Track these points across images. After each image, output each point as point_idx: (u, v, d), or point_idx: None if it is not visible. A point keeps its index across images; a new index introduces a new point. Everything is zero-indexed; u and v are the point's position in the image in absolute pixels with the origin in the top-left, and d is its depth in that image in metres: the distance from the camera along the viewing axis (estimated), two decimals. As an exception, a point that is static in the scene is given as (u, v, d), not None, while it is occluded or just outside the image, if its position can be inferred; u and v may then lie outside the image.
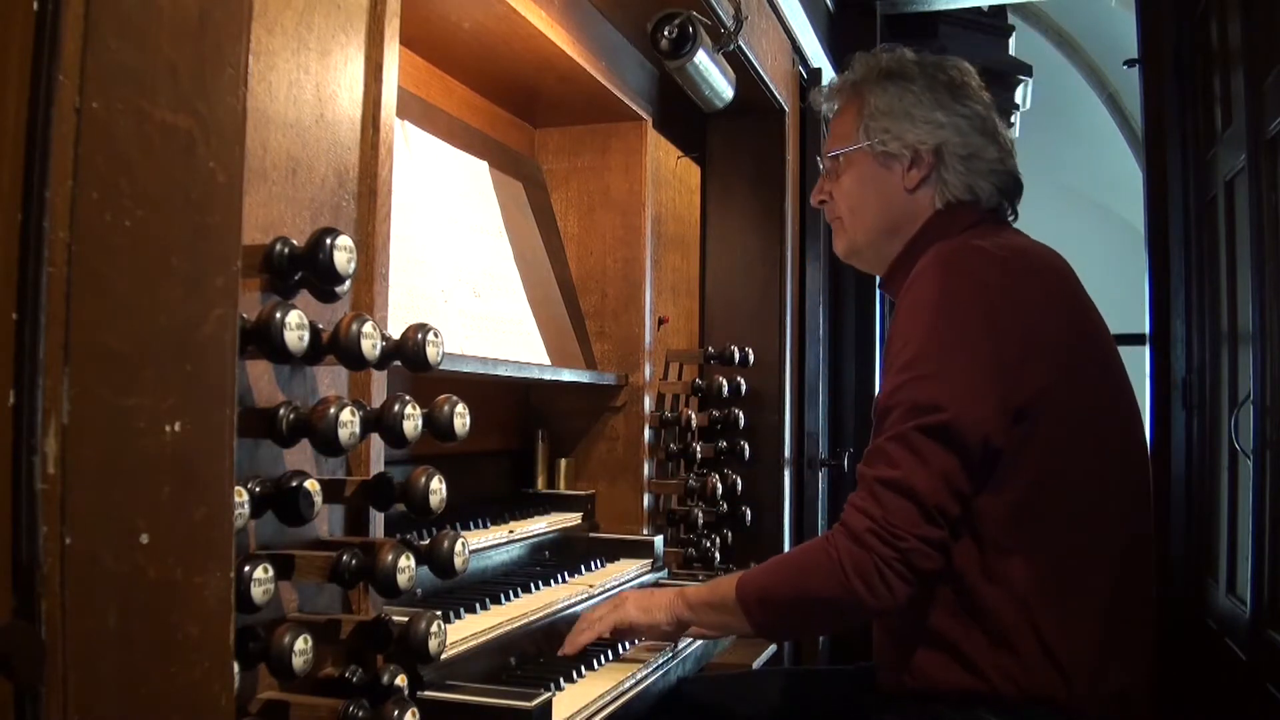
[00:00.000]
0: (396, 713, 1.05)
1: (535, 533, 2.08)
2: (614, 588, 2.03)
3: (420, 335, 1.10)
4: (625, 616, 1.66)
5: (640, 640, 1.78)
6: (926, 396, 1.40)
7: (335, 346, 1.04)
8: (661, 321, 2.61)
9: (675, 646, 1.81)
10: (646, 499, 2.41)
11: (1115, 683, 1.44)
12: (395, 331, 1.13)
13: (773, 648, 2.74)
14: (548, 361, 2.12)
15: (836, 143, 1.73)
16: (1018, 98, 4.45)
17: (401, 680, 1.12)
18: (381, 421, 1.07)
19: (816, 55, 3.33)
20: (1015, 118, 4.55)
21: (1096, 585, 1.44)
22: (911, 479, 1.38)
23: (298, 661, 0.99)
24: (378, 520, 1.24)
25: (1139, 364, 3.58)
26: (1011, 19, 4.81)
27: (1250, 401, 2.65)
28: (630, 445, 2.41)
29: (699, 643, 1.89)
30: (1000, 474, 1.42)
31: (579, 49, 2.07)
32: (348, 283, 1.07)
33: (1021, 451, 1.41)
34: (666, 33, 2.16)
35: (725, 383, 2.69)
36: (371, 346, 1.04)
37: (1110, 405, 1.52)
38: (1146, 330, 3.66)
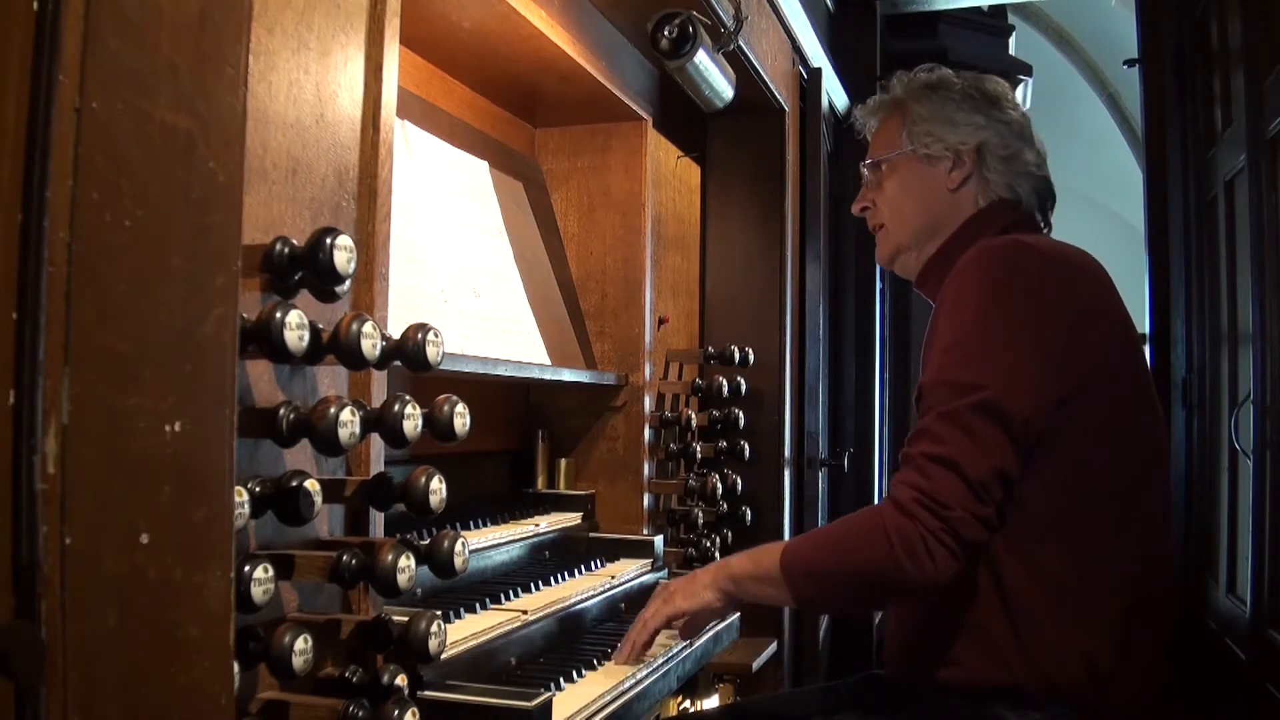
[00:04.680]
0: (396, 713, 1.05)
1: (535, 533, 2.08)
2: (614, 588, 2.03)
3: (420, 335, 1.10)
4: (675, 608, 1.63)
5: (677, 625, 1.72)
6: (970, 376, 1.41)
7: (335, 346, 1.04)
8: (661, 321, 2.61)
9: (675, 648, 1.81)
10: (646, 499, 2.41)
11: (1131, 684, 1.45)
12: (395, 331, 1.12)
13: (773, 647, 2.75)
14: (548, 361, 2.12)
15: (880, 150, 1.77)
16: (1018, 97, 4.45)
17: (401, 680, 1.12)
18: (381, 421, 1.07)
19: (816, 55, 3.33)
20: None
21: (1121, 582, 1.46)
22: (958, 455, 1.37)
23: (298, 661, 0.99)
24: (378, 520, 1.24)
25: (1139, 364, 3.57)
26: (1011, 19, 4.81)
27: (1250, 401, 2.65)
28: (630, 445, 2.40)
29: (699, 643, 1.90)
30: (1037, 462, 1.42)
31: (579, 49, 2.07)
32: (348, 283, 1.07)
33: (1059, 440, 1.43)
34: (666, 33, 2.16)
35: (725, 383, 2.69)
36: (371, 346, 1.04)
37: (1142, 405, 1.54)
38: (1146, 330, 3.67)
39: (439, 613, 1.13)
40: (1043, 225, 1.72)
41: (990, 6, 4.48)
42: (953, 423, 1.39)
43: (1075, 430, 1.43)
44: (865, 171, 1.80)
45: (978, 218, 1.67)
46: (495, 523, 2.00)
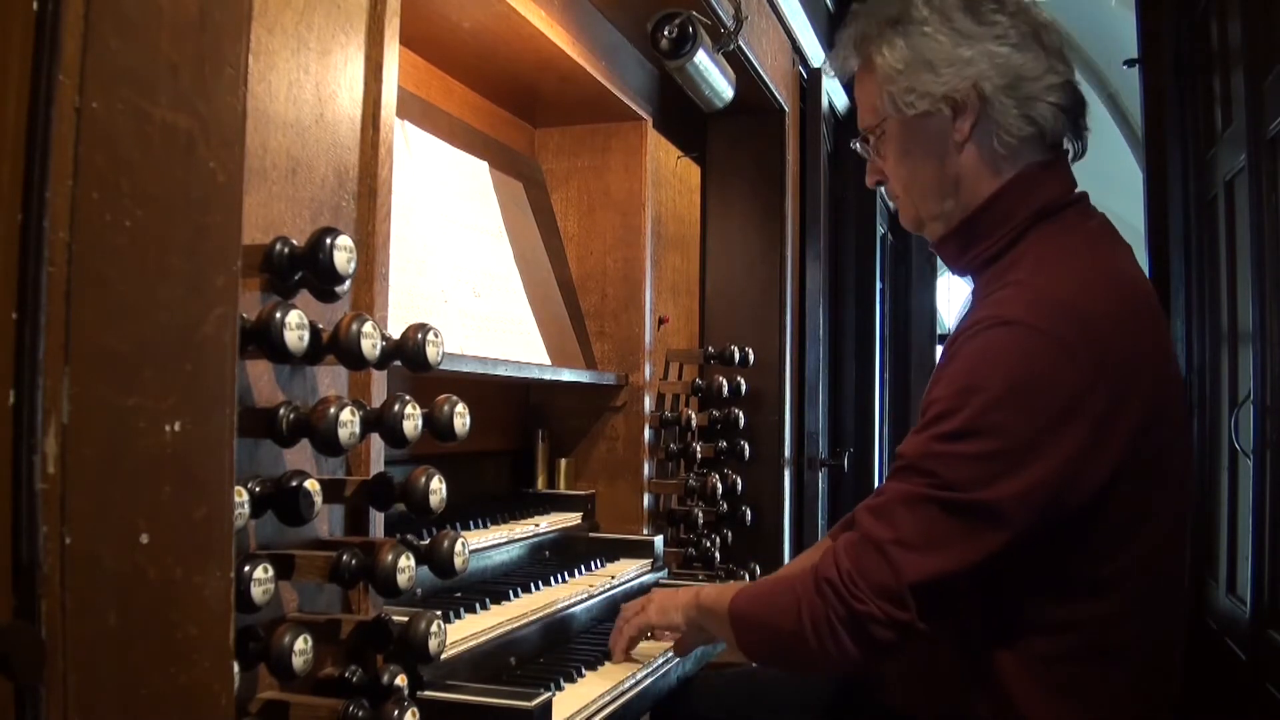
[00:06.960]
0: (396, 713, 1.05)
1: (535, 533, 2.08)
2: (613, 588, 2.03)
3: (420, 335, 1.10)
4: (647, 619, 1.69)
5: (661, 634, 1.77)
6: (968, 476, 1.24)
7: (335, 346, 1.04)
8: (661, 321, 2.61)
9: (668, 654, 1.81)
10: (646, 499, 2.41)
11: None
12: (395, 331, 1.13)
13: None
14: (548, 361, 2.12)
15: (866, 116, 1.53)
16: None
17: (401, 680, 1.12)
18: (381, 421, 1.07)
19: (816, 55, 3.33)
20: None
21: (1132, 658, 1.36)
22: (901, 555, 1.25)
23: (298, 661, 0.99)
24: (378, 520, 1.24)
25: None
26: (1011, 19, 4.79)
27: (1250, 401, 2.65)
28: (630, 445, 2.40)
29: (699, 643, 1.89)
30: (1049, 557, 1.30)
31: (579, 49, 2.07)
32: (348, 283, 1.07)
33: (1104, 532, 1.29)
34: (666, 33, 2.16)
35: (725, 383, 2.69)
36: (371, 346, 1.04)
37: (1171, 480, 1.36)
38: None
39: (439, 613, 1.13)
40: (1077, 144, 1.47)
41: (990, 6, 4.47)
42: (920, 515, 1.25)
43: (1102, 522, 1.28)
44: (858, 147, 1.57)
45: (1005, 198, 1.42)
46: (495, 523, 2.00)
